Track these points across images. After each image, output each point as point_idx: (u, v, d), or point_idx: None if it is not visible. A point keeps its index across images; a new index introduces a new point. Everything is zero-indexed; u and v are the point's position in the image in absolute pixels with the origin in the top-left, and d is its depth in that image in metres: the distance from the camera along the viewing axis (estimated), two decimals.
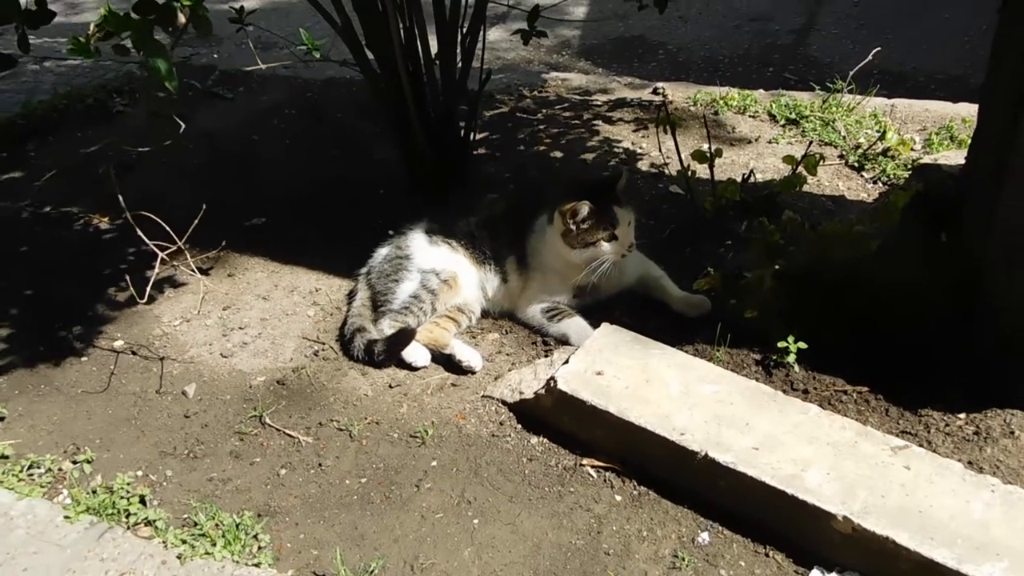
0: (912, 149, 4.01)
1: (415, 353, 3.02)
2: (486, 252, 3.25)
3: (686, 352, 2.78)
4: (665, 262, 3.25)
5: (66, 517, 2.47)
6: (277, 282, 3.57)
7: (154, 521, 2.48)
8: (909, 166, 3.87)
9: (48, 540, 2.40)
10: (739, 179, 3.67)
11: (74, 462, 2.75)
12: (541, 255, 3.16)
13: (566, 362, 2.72)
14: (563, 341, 3.04)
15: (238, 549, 2.37)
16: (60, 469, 2.73)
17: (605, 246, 3.00)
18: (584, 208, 2.95)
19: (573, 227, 2.99)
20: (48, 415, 2.97)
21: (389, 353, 3.02)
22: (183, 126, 3.54)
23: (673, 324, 3.02)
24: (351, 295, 3.36)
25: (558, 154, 4.37)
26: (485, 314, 3.27)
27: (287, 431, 2.81)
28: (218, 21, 2.60)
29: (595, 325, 2.93)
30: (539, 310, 3.13)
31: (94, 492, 2.60)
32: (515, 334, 3.17)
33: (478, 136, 4.45)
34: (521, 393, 2.79)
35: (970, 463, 2.36)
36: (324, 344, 3.20)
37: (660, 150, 4.05)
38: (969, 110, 4.33)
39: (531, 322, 3.16)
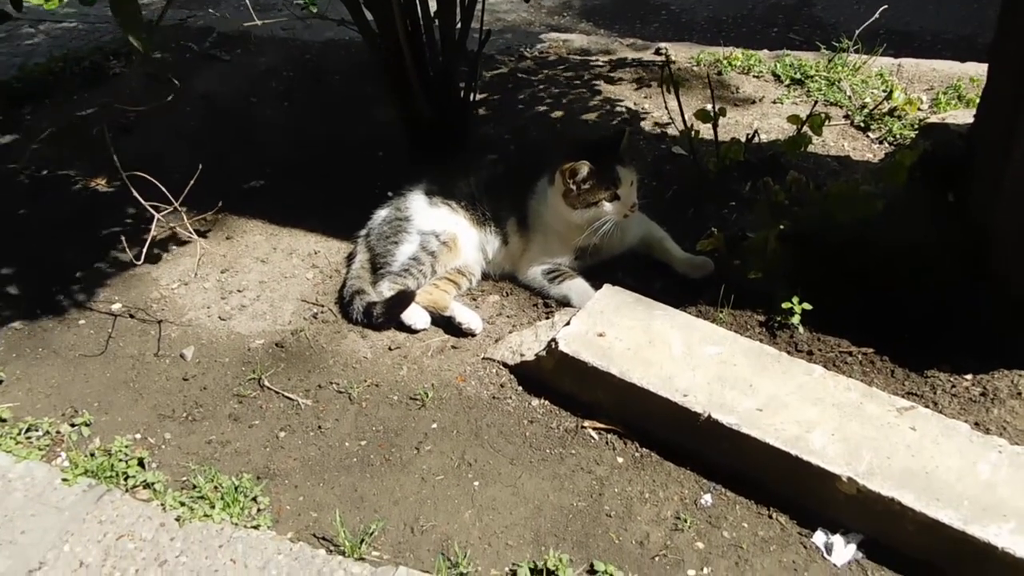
0: (919, 109, 3.96)
1: (414, 315, 3.00)
2: (486, 213, 3.23)
3: (689, 313, 2.75)
4: (668, 223, 3.22)
5: (64, 480, 2.45)
6: (276, 245, 3.54)
7: (152, 484, 2.47)
8: (916, 126, 3.83)
9: (46, 503, 2.39)
10: (743, 140, 3.64)
11: (72, 425, 2.74)
12: (542, 216, 3.14)
13: (567, 324, 2.70)
14: (564, 303, 3.02)
15: (237, 511, 2.36)
16: (58, 432, 2.72)
17: (607, 206, 2.97)
18: (584, 168, 2.92)
19: (574, 187, 2.97)
20: (46, 378, 2.96)
21: (388, 315, 3.00)
22: (179, 86, 3.50)
23: (676, 285, 3.00)
24: (350, 257, 3.34)
25: (559, 114, 4.33)
26: (485, 276, 3.25)
27: (286, 394, 2.79)
28: None
29: (597, 287, 2.90)
30: (540, 272, 3.11)
31: (92, 455, 2.58)
32: (516, 296, 3.15)
33: (478, 97, 4.41)
34: (522, 355, 2.77)
35: (977, 424, 2.34)
36: (323, 307, 3.18)
37: (665, 109, 4.01)
38: (977, 70, 4.28)
39: (532, 284, 3.14)
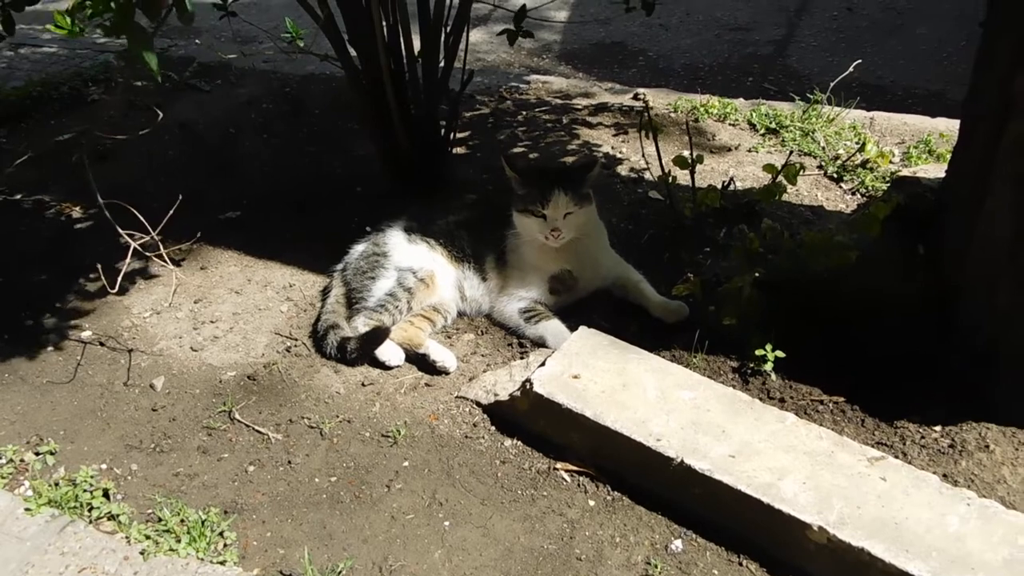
0: (891, 162, 4.01)
1: (389, 352, 2.98)
2: (465, 251, 3.23)
3: (664, 358, 2.75)
4: (644, 267, 3.22)
5: (27, 509, 2.41)
6: (250, 276, 3.52)
7: (117, 515, 2.42)
8: (887, 178, 3.87)
9: (7, 532, 2.34)
10: (719, 186, 3.65)
11: (37, 453, 2.69)
12: (518, 249, 3.14)
13: (542, 364, 2.68)
14: (540, 343, 3.01)
15: (203, 546, 2.33)
16: (22, 460, 2.67)
17: (529, 220, 3.02)
18: (508, 166, 3.08)
19: (514, 185, 3.08)
20: (12, 405, 2.91)
21: (362, 351, 2.98)
22: (159, 115, 3.48)
23: (651, 329, 3.00)
24: (325, 291, 3.32)
25: (537, 156, 4.34)
26: (461, 314, 3.24)
27: (256, 427, 2.76)
28: (197, 13, 2.55)
29: (573, 328, 2.90)
30: (517, 310, 3.10)
31: (56, 484, 2.54)
32: (491, 335, 3.14)
33: (458, 136, 4.41)
34: (496, 395, 2.76)
35: (945, 476, 2.34)
36: (297, 340, 3.15)
37: (642, 154, 4.03)
38: (948, 125, 4.34)
39: (508, 322, 3.13)
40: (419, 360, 2.99)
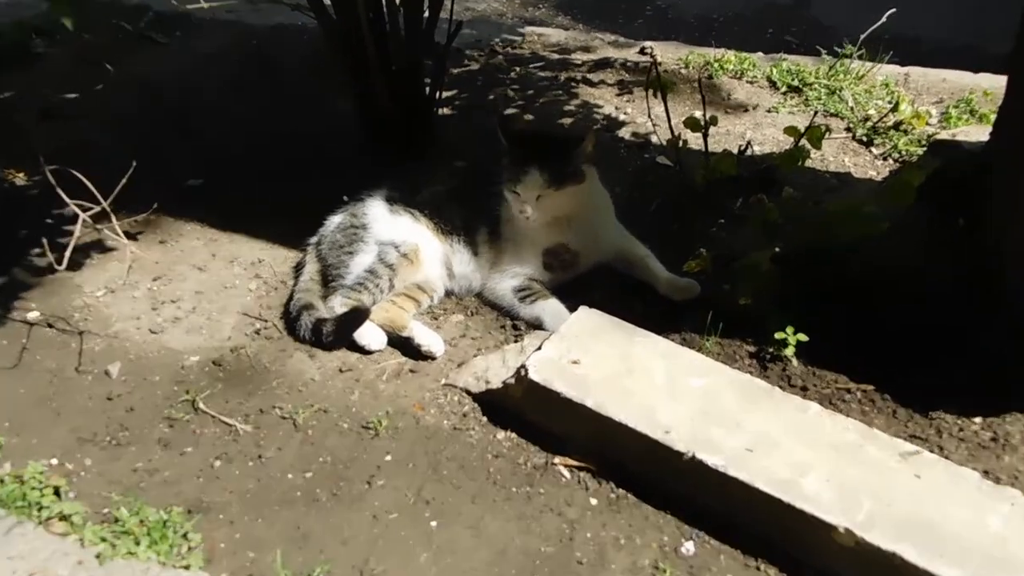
0: (927, 123, 4.01)
1: (369, 335, 2.99)
2: (453, 223, 3.24)
3: (672, 341, 2.76)
4: (651, 240, 3.22)
5: None
6: (215, 251, 3.52)
7: (70, 516, 2.42)
8: (923, 142, 3.87)
9: None
10: (735, 151, 3.66)
11: None
12: (512, 221, 3.15)
13: (538, 348, 2.69)
14: (536, 325, 3.03)
15: (165, 549, 2.33)
16: None
17: (510, 194, 3.05)
18: (502, 131, 3.10)
19: (504, 153, 3.11)
20: None
21: (340, 334, 2.99)
22: (111, 71, 3.46)
23: (659, 309, 3.00)
24: (298, 268, 3.33)
25: (532, 118, 4.33)
26: (449, 294, 3.25)
27: (223, 418, 2.76)
28: None
29: (572, 308, 2.91)
30: (510, 288, 3.11)
31: (1, 482, 2.53)
32: (481, 316, 3.15)
33: (444, 95, 4.40)
34: (487, 382, 2.77)
35: (986, 472, 2.35)
36: (267, 322, 3.16)
37: (648, 116, 4.03)
38: (992, 81, 4.34)
39: (501, 302, 3.14)
40: (403, 344, 3.00)
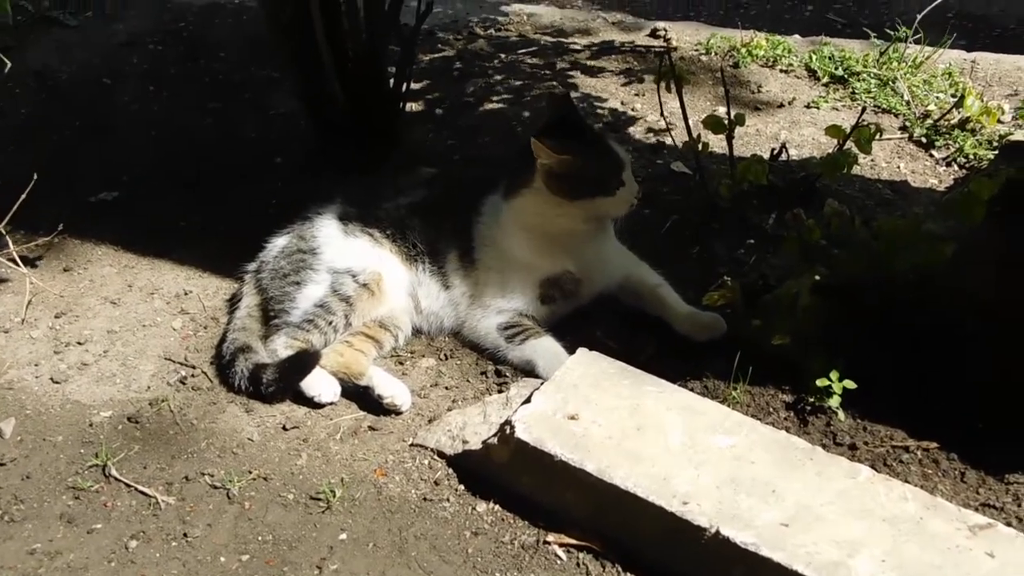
0: (999, 120, 4.01)
1: (320, 384, 2.98)
2: (421, 246, 3.23)
3: (692, 390, 2.76)
4: (665, 265, 3.23)
5: None
6: (132, 281, 3.51)
7: None
8: (995, 143, 3.88)
9: None
10: (766, 156, 3.66)
11: None
12: (497, 244, 3.15)
13: (528, 400, 2.68)
14: (526, 370, 3.02)
15: None
16: None
17: (603, 200, 3.03)
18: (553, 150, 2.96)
19: (564, 168, 3.00)
20: None
21: (284, 383, 2.98)
22: (8, 64, 3.45)
23: (675, 351, 3.00)
24: (233, 301, 3.32)
25: (520, 115, 4.34)
26: (417, 332, 3.25)
27: (141, 487, 2.74)
28: None
29: (570, 350, 2.90)
30: (495, 326, 3.11)
31: None
32: (457, 360, 3.15)
33: (413, 87, 4.40)
34: (465, 442, 2.75)
35: None
36: (194, 368, 3.15)
37: (660, 113, 4.03)
38: None
39: (483, 342, 3.14)
40: (361, 395, 2.99)
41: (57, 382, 3.13)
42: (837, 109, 4.27)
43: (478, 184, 3.26)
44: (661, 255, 3.28)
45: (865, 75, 4.46)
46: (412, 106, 4.36)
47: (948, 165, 3.88)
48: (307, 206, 3.33)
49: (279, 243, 3.29)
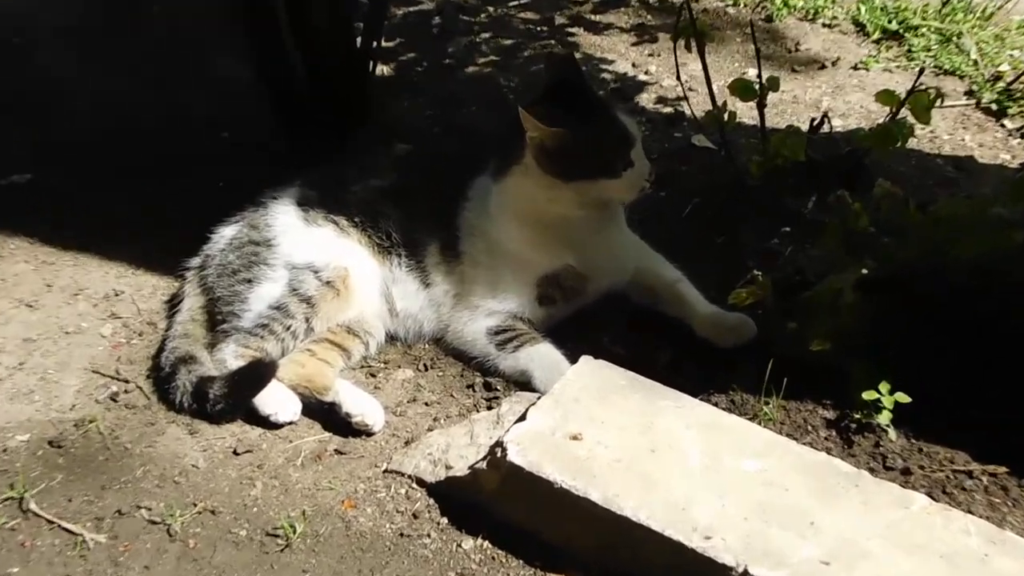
0: None
1: (277, 400, 3.00)
2: (395, 237, 3.25)
3: (716, 405, 2.79)
4: (684, 258, 3.26)
5: None
6: (51, 279, 3.54)
7: None
8: None
9: None
10: (805, 127, 3.68)
11: None
12: (487, 234, 3.17)
13: (522, 418, 2.70)
14: (520, 382, 3.05)
15: None
16: None
17: (607, 182, 3.03)
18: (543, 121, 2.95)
19: (560, 145, 2.99)
20: None
21: (234, 399, 2.99)
22: None
23: (695, 358, 3.04)
24: (174, 303, 3.35)
25: (511, 80, 4.35)
26: (392, 338, 3.28)
27: (65, 524, 2.75)
28: None
29: (572, 358, 2.93)
30: (483, 331, 3.14)
31: None
32: (439, 370, 3.18)
33: (385, 46, 4.42)
34: (448, 467, 2.78)
35: None
36: (128, 383, 3.17)
37: (678, 77, 4.05)
38: None
39: (469, 350, 3.17)
40: (325, 413, 3.01)
41: None
42: (890, 71, 4.29)
43: (463, 162, 3.28)
44: (679, 245, 3.30)
45: (924, 29, 4.48)
46: (383, 69, 4.37)
47: (1023, 137, 3.89)
48: (261, 190, 3.35)
49: (227, 233, 3.31)
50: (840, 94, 4.15)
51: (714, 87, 3.66)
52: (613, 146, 3.01)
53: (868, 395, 2.74)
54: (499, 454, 2.59)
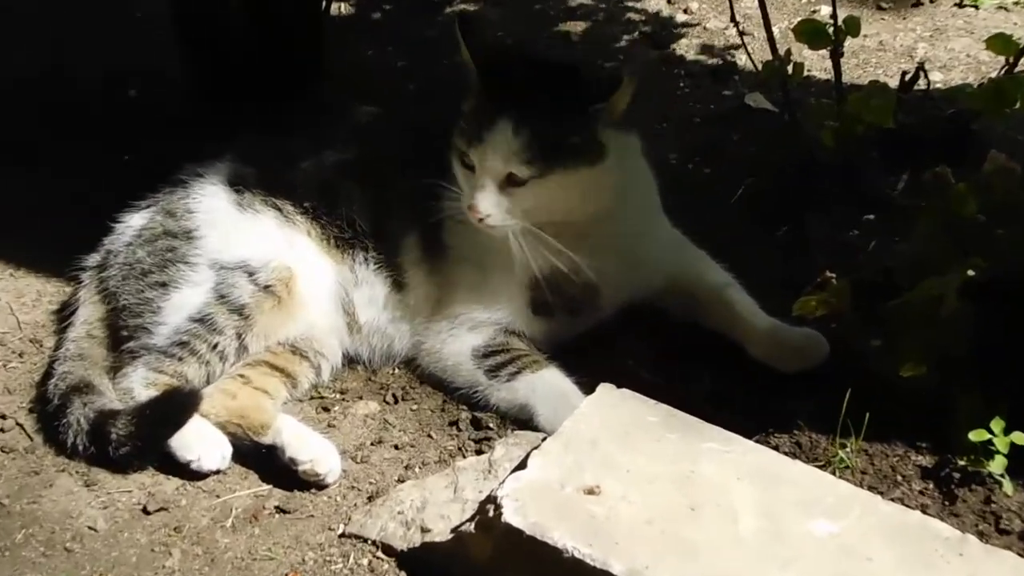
0: None
1: (200, 442, 2.98)
2: (359, 227, 3.24)
3: (776, 448, 2.78)
4: (735, 256, 3.25)
5: None
6: None
7: None
8: None
9: None
10: (894, 83, 3.67)
11: None
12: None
13: (522, 465, 2.68)
14: (519, 418, 3.05)
15: None
16: None
17: (459, 169, 3.06)
18: (464, 41, 3.03)
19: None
20: None
21: (145, 440, 2.97)
22: None
23: (749, 387, 3.03)
24: (65, 314, 3.34)
25: (505, 18, 4.35)
26: (352, 361, 3.27)
27: None
28: None
29: (587, 387, 2.92)
30: (470, 350, 3.13)
31: None
32: (414, 403, 3.18)
33: None
34: (425, 530, 2.76)
35: None
36: (5, 418, 3.17)
37: (732, 18, 4.04)
38: None
39: (452, 376, 3.16)
40: (264, 459, 3.00)
41: None
42: (1006, 8, 4.29)
43: (447, 130, 3.24)
44: (729, 239, 3.29)
45: None
46: (341, 7, 4.37)
47: None
48: (180, 166, 3.34)
49: (135, 223, 3.29)
50: (940, 40, 4.15)
51: (775, 30, 3.66)
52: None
53: (977, 435, 2.72)
54: (492, 513, 2.57)
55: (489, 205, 2.92)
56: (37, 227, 3.55)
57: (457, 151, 3.00)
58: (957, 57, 4.05)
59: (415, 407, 3.15)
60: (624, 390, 2.85)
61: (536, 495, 2.58)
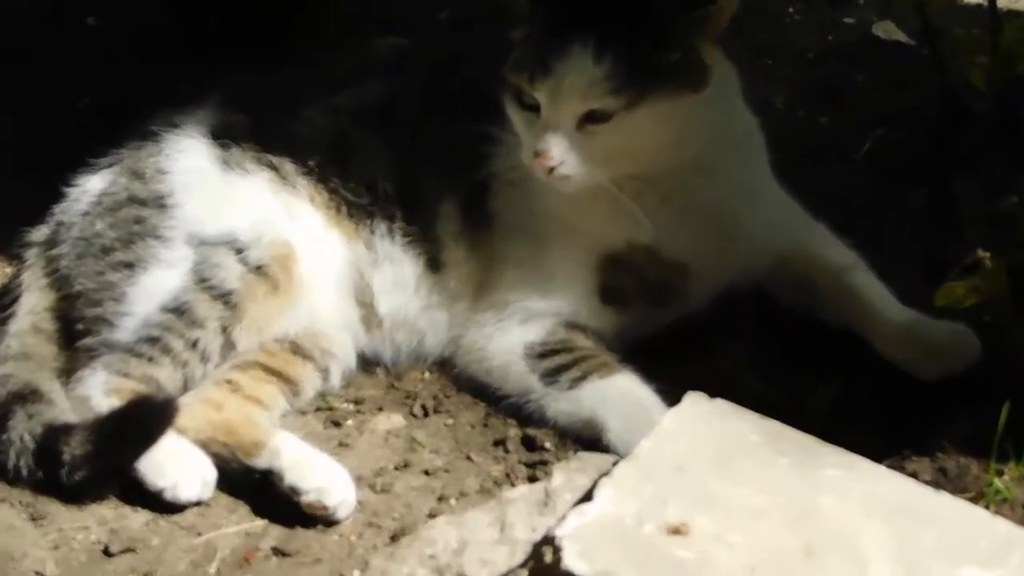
0: None
1: (176, 464, 2.97)
2: (381, 190, 3.23)
3: (913, 475, 2.76)
4: (861, 229, 3.23)
5: None
6: None
7: None
8: None
9: None
10: None
11: None
12: (529, 183, 3.08)
13: (588, 496, 2.66)
14: (583, 435, 3.02)
15: None
16: None
17: (517, 114, 2.99)
18: None
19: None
20: None
21: (106, 461, 2.96)
22: None
23: (879, 397, 3.01)
24: (4, 302, 3.35)
25: None
26: (368, 362, 3.26)
27: None
28: None
29: (671, 400, 2.90)
30: (521, 349, 3.11)
31: None
32: (449, 416, 3.16)
33: None
34: None
35: None
36: None
37: None
38: None
39: (501, 382, 3.15)
40: (258, 486, 3.00)
41: None
42: None
43: (494, 69, 3.21)
44: (854, 207, 3.27)
45: None
46: None
47: None
48: (150, 113, 3.33)
49: (94, 187, 3.28)
50: None
51: None
52: None
53: None
54: (549, 558, 2.55)
55: (563, 150, 2.83)
56: None
57: (512, 89, 2.93)
58: None
59: (450, 421, 3.14)
60: (719, 401, 2.82)
61: (606, 535, 2.55)
